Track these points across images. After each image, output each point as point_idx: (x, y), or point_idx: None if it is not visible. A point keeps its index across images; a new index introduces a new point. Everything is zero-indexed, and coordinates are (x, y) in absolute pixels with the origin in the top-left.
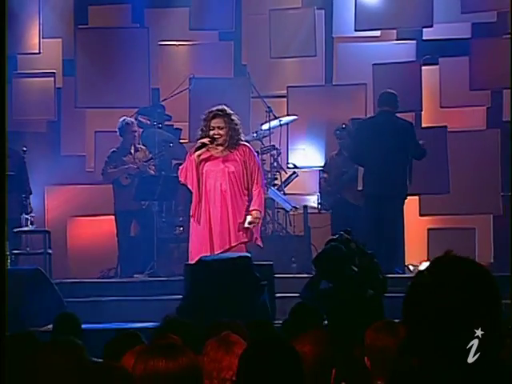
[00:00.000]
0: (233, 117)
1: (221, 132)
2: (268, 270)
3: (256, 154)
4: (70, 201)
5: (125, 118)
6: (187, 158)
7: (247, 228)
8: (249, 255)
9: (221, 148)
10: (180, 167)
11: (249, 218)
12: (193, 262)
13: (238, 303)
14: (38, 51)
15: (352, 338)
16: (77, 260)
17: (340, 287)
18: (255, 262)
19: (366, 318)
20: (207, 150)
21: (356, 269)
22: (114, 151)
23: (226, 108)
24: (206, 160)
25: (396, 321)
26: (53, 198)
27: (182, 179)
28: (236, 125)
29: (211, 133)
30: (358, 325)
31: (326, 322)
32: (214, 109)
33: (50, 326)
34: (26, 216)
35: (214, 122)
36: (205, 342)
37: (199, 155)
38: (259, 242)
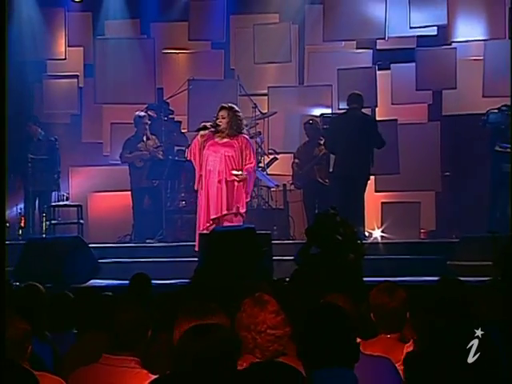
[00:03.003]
0: (237, 113)
1: (222, 121)
2: (267, 238)
3: (253, 145)
4: (90, 179)
5: (139, 112)
6: (193, 141)
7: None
8: (253, 226)
9: (222, 134)
10: (188, 148)
11: (237, 172)
12: (202, 230)
13: (244, 266)
14: (64, 57)
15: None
16: (96, 228)
17: (327, 252)
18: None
19: (349, 276)
20: (213, 135)
21: (340, 237)
22: (128, 139)
23: (233, 106)
24: (210, 144)
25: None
26: (76, 176)
27: (188, 157)
28: (237, 118)
29: (216, 120)
30: (341, 282)
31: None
32: (223, 104)
33: (89, 283)
34: (62, 192)
35: (219, 113)
36: (237, 300)
37: (202, 135)
38: (241, 210)
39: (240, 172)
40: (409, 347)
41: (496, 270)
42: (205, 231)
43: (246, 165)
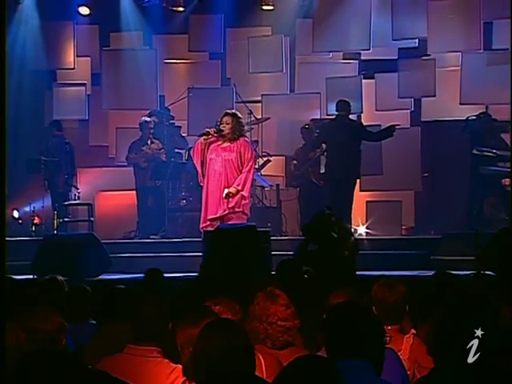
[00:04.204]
0: (239, 119)
1: (226, 126)
2: (266, 235)
3: (252, 146)
4: (96, 179)
5: (144, 117)
6: (196, 144)
7: (227, 198)
8: (254, 224)
9: (225, 139)
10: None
11: (225, 191)
12: (202, 228)
13: (246, 261)
14: (72, 67)
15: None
16: (103, 225)
17: (324, 249)
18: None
19: (343, 271)
20: (217, 140)
21: (335, 235)
22: (134, 142)
23: (236, 112)
24: (213, 148)
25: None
26: (83, 177)
27: (191, 155)
28: (240, 124)
29: (220, 125)
30: (336, 277)
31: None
32: (227, 110)
33: (101, 276)
34: (75, 192)
35: (223, 118)
36: (246, 294)
37: (205, 139)
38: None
39: (230, 189)
40: (408, 338)
41: (479, 265)
42: (209, 228)
43: (244, 166)
